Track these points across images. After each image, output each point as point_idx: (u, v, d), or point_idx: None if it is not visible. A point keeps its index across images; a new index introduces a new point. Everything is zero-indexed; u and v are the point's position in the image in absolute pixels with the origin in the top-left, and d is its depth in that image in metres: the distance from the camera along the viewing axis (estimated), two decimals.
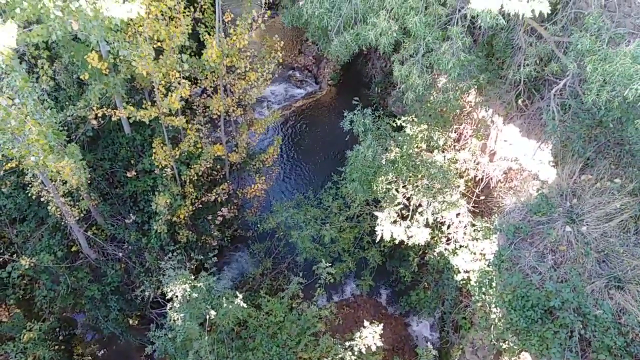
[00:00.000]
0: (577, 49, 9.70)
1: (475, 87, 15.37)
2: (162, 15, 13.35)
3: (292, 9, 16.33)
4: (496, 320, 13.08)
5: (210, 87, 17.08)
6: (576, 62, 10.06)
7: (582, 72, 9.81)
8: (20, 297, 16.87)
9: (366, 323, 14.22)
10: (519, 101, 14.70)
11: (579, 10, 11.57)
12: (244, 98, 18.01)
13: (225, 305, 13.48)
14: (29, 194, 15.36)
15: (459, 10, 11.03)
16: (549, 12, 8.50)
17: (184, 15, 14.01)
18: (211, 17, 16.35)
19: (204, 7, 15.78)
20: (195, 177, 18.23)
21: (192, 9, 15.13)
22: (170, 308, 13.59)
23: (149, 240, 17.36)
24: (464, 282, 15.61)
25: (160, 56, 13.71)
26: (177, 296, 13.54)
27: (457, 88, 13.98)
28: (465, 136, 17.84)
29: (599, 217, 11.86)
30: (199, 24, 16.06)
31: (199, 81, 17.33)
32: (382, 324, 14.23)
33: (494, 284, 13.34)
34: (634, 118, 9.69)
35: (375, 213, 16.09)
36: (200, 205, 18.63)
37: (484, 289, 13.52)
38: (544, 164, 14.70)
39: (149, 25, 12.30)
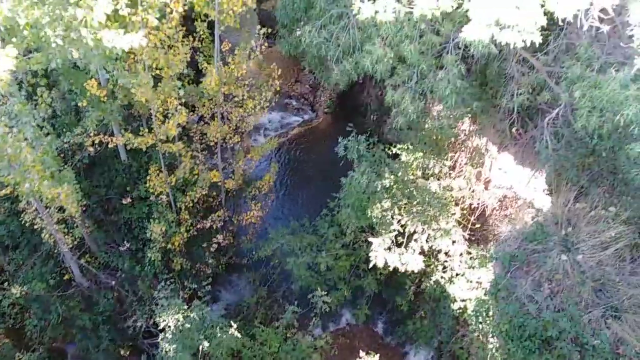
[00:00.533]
0: (569, 77, 9.88)
1: (470, 115, 15.55)
2: (162, 43, 13.56)
3: (290, 39, 16.62)
4: (494, 351, 12.88)
5: (208, 114, 17.19)
6: (568, 92, 10.24)
7: (574, 102, 10.00)
8: (10, 326, 16.52)
9: (362, 353, 13.97)
10: (513, 130, 14.86)
11: (570, 41, 11.83)
12: (241, 125, 18.14)
13: (219, 335, 13.25)
14: (23, 221, 15.23)
15: (453, 39, 11.27)
16: (541, 42, 8.71)
17: (182, 44, 14.22)
18: (209, 46, 16.60)
19: (202, 36, 16.05)
20: (191, 204, 18.17)
21: (191, 38, 15.38)
22: (162, 338, 13.34)
23: (143, 268, 17.17)
24: (461, 311, 15.42)
25: (159, 83, 13.85)
26: (169, 326, 13.30)
27: (451, 116, 14.15)
28: (460, 164, 17.95)
29: (594, 246, 11.85)
30: (198, 53, 16.28)
31: (196, 108, 17.47)
32: (378, 355, 13.99)
33: (490, 313, 13.20)
34: (626, 145, 9.80)
35: (370, 239, 16.04)
36: (195, 233, 18.51)
37: (480, 319, 13.37)
38: (538, 192, 14.75)
39: (148, 54, 12.47)
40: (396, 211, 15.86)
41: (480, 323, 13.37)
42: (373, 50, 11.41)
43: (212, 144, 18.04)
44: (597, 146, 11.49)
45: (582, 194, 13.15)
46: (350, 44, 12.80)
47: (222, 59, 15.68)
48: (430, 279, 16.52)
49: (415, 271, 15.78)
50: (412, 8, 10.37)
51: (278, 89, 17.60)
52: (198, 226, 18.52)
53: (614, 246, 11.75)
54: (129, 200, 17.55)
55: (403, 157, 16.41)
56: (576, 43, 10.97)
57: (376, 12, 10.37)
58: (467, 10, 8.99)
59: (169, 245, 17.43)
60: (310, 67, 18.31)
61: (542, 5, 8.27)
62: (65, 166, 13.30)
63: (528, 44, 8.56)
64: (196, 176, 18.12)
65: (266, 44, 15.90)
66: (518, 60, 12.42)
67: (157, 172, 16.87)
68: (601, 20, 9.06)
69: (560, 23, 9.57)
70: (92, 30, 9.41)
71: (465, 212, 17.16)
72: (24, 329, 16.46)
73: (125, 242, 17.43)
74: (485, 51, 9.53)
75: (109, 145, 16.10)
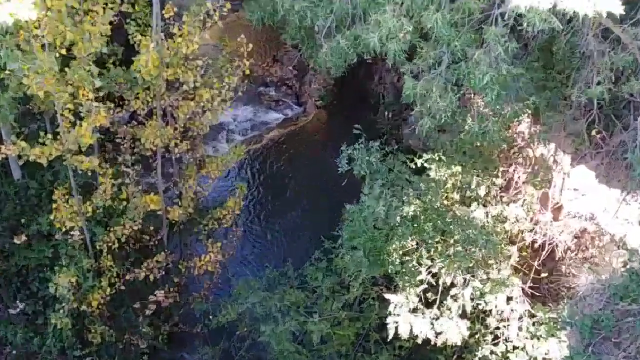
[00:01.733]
0: None
1: (529, 112, 15.70)
2: (73, 9, 13.73)
3: (262, 2, 16.84)
4: None
5: (143, 110, 17.33)
6: None
7: None
8: None
9: None
10: (593, 132, 15.05)
11: None
12: (192, 126, 18.28)
13: None
14: None
15: (499, 5, 11.47)
16: (622, 12, 8.88)
17: (104, 9, 14.40)
18: (145, 11, 16.85)
19: None
20: (117, 245, 18.19)
21: (119, 1, 15.57)
22: None
23: (44, 340, 17.12)
24: None
25: (67, 68, 13.99)
26: None
27: (500, 113, 14.29)
28: (517, 183, 18.14)
29: None
30: (128, 21, 16.49)
31: (125, 102, 17.61)
32: None
33: None
34: None
35: (387, 296, 16.09)
36: (124, 287, 18.52)
37: None
38: (632, 225, 14.90)
39: (48, 26, 12.57)
40: (424, 253, 15.96)
41: None
42: (383, 20, 11.59)
43: (148, 153, 18.15)
44: None
45: None
46: (348, 10, 13.01)
47: (165, 29, 15.90)
48: (475, 355, 16.57)
49: (457, 343, 15.83)
50: None
51: (248, 72, 17.81)
52: (127, 277, 18.52)
53: None
54: (23, 238, 17.56)
55: (432, 173, 16.56)
56: None
57: None
58: None
59: (84, 306, 17.42)
60: (294, 42, 18.51)
61: None
62: None
63: (604, 15, 8.75)
64: (124, 202, 18.19)
65: (229, 6, 16.13)
66: (596, 34, 12.63)
67: (66, 197, 16.94)
68: None
69: None
70: None
71: (525, 254, 17.29)
72: None
73: (17, 301, 17.42)
74: (544, 26, 9.71)
75: None
